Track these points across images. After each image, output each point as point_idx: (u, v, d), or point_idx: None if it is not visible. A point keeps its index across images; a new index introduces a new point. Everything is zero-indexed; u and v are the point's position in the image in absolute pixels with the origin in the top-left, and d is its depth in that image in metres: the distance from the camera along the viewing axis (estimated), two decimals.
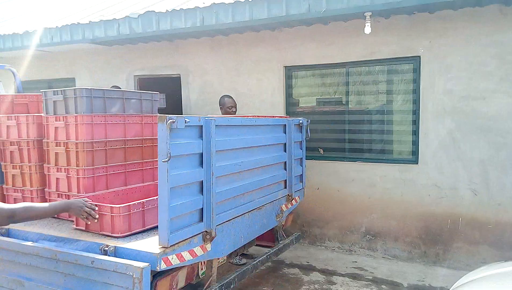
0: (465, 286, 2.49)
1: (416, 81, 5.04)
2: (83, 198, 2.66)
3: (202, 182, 2.77)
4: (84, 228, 2.79)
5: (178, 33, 5.55)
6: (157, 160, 3.53)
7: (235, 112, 5.15)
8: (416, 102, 5.05)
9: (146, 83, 6.93)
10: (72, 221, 2.97)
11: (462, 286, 2.50)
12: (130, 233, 2.68)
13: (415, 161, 5.07)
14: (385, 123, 5.33)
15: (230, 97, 5.20)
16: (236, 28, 5.38)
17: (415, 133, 5.09)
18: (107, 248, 2.46)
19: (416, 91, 5.06)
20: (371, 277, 4.62)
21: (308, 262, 5.08)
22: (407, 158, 5.19)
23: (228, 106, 5.08)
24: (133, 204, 2.71)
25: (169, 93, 6.71)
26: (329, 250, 5.50)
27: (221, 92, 6.20)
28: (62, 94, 2.95)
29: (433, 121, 4.92)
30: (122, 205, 2.67)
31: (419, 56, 4.96)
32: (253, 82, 5.96)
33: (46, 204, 2.46)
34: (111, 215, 2.62)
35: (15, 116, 3.21)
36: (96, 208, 2.62)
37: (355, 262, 5.10)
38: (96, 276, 2.38)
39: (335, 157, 5.52)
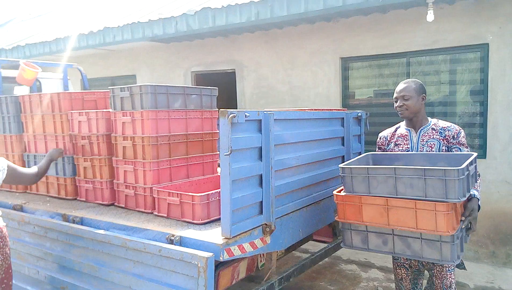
0: None
1: (484, 70, 4.73)
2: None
3: (261, 175, 2.79)
4: (166, 215, 2.95)
5: (233, 28, 5.62)
6: (216, 154, 3.66)
7: (397, 108, 2.86)
8: (484, 92, 4.74)
9: (202, 79, 7.10)
10: (142, 211, 3.13)
11: None
12: (208, 220, 2.82)
13: (483, 156, 4.76)
14: (448, 116, 5.05)
15: (403, 82, 2.89)
16: (291, 20, 5.35)
17: (482, 125, 4.79)
18: (173, 238, 2.56)
19: (483, 81, 4.75)
20: None
21: (366, 259, 4.98)
22: None
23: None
24: (211, 193, 2.84)
25: (224, 87, 6.83)
26: None
27: (275, 85, 6.21)
28: (128, 91, 3.10)
29: (502, 112, 4.60)
30: (202, 194, 2.81)
31: (487, 44, 4.64)
32: (308, 75, 5.90)
33: (42, 163, 3.20)
34: (192, 203, 2.78)
35: (85, 112, 3.42)
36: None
37: None
38: (163, 264, 2.48)
39: None
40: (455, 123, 2.84)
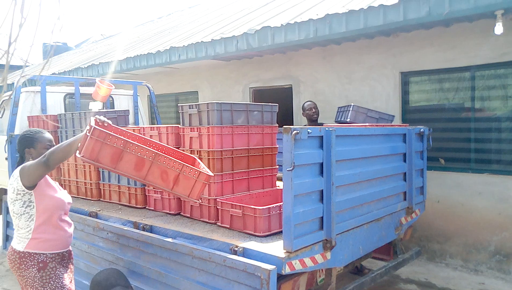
0: None
1: None
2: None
3: (322, 191, 2.84)
4: (228, 226, 3.08)
5: (291, 45, 5.74)
6: (275, 168, 3.76)
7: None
8: None
9: (260, 94, 7.28)
10: (206, 221, 3.29)
11: None
12: (269, 233, 2.89)
13: None
14: None
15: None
16: (349, 36, 5.37)
17: None
18: (236, 249, 2.67)
19: None
20: None
21: (426, 279, 4.79)
22: None
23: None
24: (272, 207, 2.92)
25: (280, 102, 6.96)
26: (450, 268, 5.11)
27: (332, 100, 6.22)
28: (196, 108, 3.30)
29: None
30: (264, 207, 2.90)
31: None
32: (366, 89, 5.86)
33: (70, 139, 2.57)
34: (254, 216, 2.88)
35: (157, 127, 3.68)
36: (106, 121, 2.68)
37: (483, 283, 4.65)
38: (227, 274, 2.60)
39: (459, 168, 5.12)
40: None
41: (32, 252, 2.51)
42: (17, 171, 2.51)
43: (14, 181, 2.50)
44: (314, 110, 5.31)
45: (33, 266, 2.51)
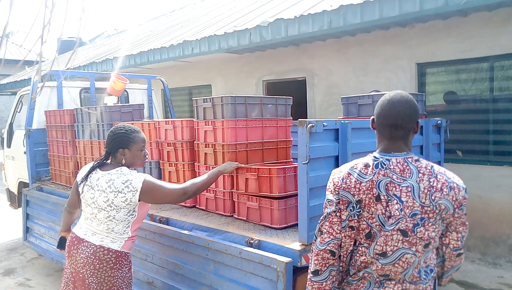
0: None
1: None
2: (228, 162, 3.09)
3: None
4: (245, 218, 3.10)
5: (305, 37, 5.69)
6: (290, 161, 3.75)
7: None
8: None
9: (273, 87, 7.26)
10: (222, 214, 3.31)
11: None
12: (286, 225, 2.90)
13: None
14: None
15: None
16: (364, 28, 5.30)
17: None
18: (252, 241, 2.68)
19: None
20: None
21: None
22: None
23: None
24: (288, 199, 2.92)
25: (293, 95, 6.93)
26: (468, 261, 5.05)
27: (347, 92, 6.16)
28: (210, 101, 3.31)
29: None
30: (280, 199, 2.90)
31: None
32: (382, 81, 5.79)
33: (204, 176, 2.79)
34: (271, 208, 2.89)
35: (171, 120, 3.71)
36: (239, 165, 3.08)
37: (501, 277, 4.59)
38: (242, 266, 2.61)
39: (477, 160, 5.04)
40: None
41: (126, 252, 2.53)
42: (136, 184, 2.40)
43: (128, 192, 2.39)
44: None
45: (126, 265, 2.51)
